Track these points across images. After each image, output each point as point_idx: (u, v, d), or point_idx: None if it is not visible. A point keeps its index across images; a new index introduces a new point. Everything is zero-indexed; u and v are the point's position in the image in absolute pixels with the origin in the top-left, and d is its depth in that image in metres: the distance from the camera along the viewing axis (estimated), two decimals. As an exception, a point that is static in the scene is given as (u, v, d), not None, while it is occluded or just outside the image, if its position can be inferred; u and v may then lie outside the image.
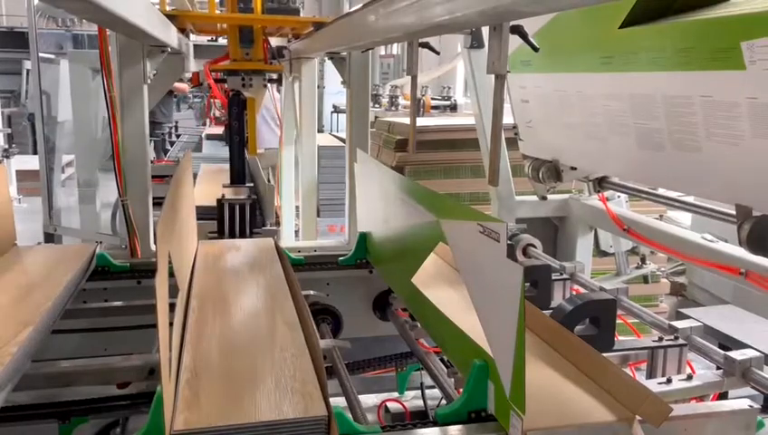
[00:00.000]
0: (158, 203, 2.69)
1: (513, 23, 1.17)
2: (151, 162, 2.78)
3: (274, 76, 2.98)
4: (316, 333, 1.37)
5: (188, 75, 3.41)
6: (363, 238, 2.13)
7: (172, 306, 1.33)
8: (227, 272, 1.89)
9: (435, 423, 1.17)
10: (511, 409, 1.08)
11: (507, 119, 2.24)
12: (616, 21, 1.74)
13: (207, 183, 3.60)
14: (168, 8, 2.87)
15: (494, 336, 1.12)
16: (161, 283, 1.12)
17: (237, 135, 2.77)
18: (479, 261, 1.14)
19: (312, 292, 2.06)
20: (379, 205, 1.93)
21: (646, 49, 1.71)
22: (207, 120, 7.94)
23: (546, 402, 1.20)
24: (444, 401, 1.64)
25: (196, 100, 9.81)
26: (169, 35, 2.26)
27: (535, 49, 1.25)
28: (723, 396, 1.52)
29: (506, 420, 1.10)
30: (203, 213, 2.96)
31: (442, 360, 1.83)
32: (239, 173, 2.81)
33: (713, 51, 1.46)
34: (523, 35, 1.25)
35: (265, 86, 2.88)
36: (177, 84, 6.90)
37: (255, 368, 1.27)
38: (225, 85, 2.81)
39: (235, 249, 2.13)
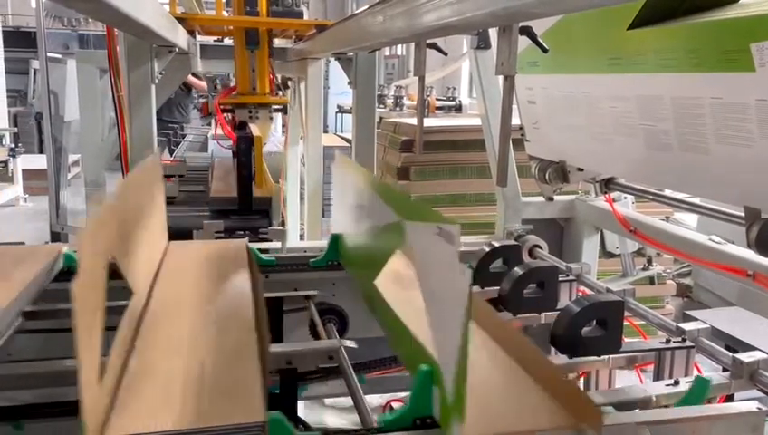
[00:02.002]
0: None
1: (522, 24, 1.18)
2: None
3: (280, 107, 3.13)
4: (268, 337, 1.34)
5: (199, 70, 3.49)
6: (335, 240, 2.10)
7: (122, 309, 1.31)
8: (192, 274, 1.84)
9: (378, 430, 1.15)
10: (453, 416, 1.06)
11: (513, 120, 2.24)
12: (624, 22, 1.74)
13: (222, 178, 3.62)
14: (177, 10, 2.91)
15: (440, 341, 1.10)
16: (83, 285, 1.03)
17: (245, 169, 2.93)
18: (432, 263, 1.11)
19: (316, 292, 2.05)
20: (352, 205, 1.91)
21: (654, 50, 1.71)
22: (212, 122, 7.94)
23: (493, 409, 1.18)
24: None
25: (201, 99, 9.82)
26: (177, 36, 2.27)
27: (545, 50, 1.25)
28: (729, 398, 1.52)
29: (449, 428, 1.07)
30: (220, 204, 3.01)
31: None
32: (246, 206, 2.98)
33: (722, 52, 1.46)
34: (532, 36, 1.25)
35: (271, 118, 3.03)
36: (196, 81, 6.89)
37: (201, 372, 1.24)
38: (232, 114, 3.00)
39: (205, 250, 2.07)
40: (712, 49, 1.51)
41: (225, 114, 3.04)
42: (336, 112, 10.01)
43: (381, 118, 4.60)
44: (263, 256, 2.09)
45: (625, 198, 2.68)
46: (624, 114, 1.97)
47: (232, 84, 3.29)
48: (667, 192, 2.26)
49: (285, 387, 1.58)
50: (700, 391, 1.31)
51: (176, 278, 1.79)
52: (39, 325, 1.87)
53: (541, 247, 2.49)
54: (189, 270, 1.86)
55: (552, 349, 1.69)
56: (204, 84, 6.88)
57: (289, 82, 3.63)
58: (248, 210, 2.97)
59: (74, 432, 1.24)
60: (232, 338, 1.40)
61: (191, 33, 2.78)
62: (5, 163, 8.04)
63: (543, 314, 1.89)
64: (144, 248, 1.71)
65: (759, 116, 1.46)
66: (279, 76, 3.36)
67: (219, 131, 3.55)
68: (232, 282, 1.78)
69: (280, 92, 3.12)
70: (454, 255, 1.00)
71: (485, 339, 1.45)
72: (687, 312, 3.78)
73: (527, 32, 1.20)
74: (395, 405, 2.19)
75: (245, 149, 2.91)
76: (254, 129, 3.05)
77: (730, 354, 1.52)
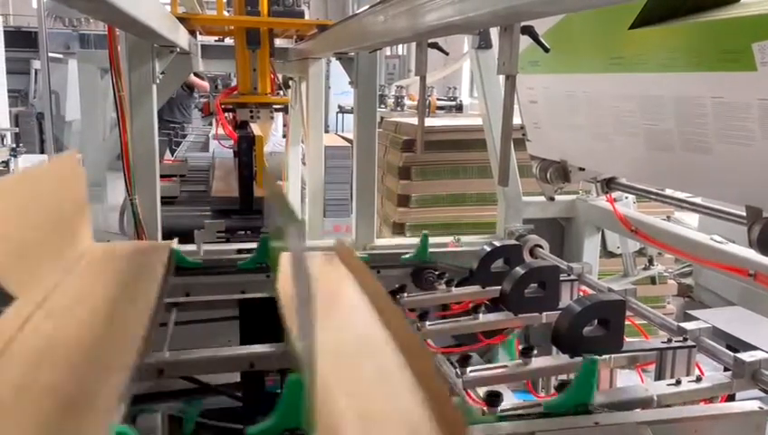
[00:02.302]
0: (166, 202, 2.71)
1: (523, 23, 1.18)
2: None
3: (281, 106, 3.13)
4: (150, 347, 1.31)
5: (199, 70, 3.50)
6: (265, 242, 2.06)
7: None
8: (100, 277, 1.74)
9: None
10: (309, 426, 1.04)
11: (515, 119, 2.24)
12: (626, 21, 1.74)
13: (224, 177, 3.61)
14: (178, 9, 2.91)
15: (302, 348, 1.07)
16: None
17: (246, 169, 2.93)
18: (292, 264, 1.09)
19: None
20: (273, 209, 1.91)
21: (656, 50, 1.71)
22: (213, 122, 7.92)
23: (362, 420, 1.12)
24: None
25: (203, 99, 9.81)
26: (179, 36, 2.27)
27: (546, 50, 1.25)
28: (731, 398, 1.52)
29: None
30: (221, 204, 3.01)
31: (449, 360, 1.83)
32: (247, 205, 2.98)
33: (724, 52, 1.46)
34: (534, 36, 1.25)
35: (272, 118, 3.02)
36: (198, 82, 6.88)
37: (60, 383, 1.18)
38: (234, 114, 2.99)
39: (125, 253, 1.99)
40: (713, 48, 1.51)
41: (226, 114, 3.04)
42: (337, 112, 10.00)
43: (382, 118, 4.59)
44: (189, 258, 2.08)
45: (626, 197, 2.68)
46: (625, 114, 1.97)
47: (233, 84, 3.28)
48: (669, 192, 2.26)
49: (287, 387, 1.57)
50: (590, 371, 1.30)
51: (80, 281, 1.70)
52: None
53: (542, 247, 2.49)
54: (99, 273, 1.77)
55: (554, 348, 1.70)
56: (206, 84, 6.86)
57: (290, 82, 3.61)
58: (249, 210, 2.97)
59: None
60: (110, 345, 1.33)
61: (192, 33, 2.78)
62: (7, 163, 8.04)
63: (545, 313, 1.90)
64: (46, 249, 1.62)
65: (760, 115, 1.45)
66: (280, 76, 3.35)
67: (220, 131, 3.55)
68: (138, 286, 1.68)
69: (281, 92, 3.11)
70: (301, 253, 0.99)
71: (381, 344, 1.40)
72: (689, 311, 3.77)
73: (529, 31, 1.20)
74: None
75: (246, 148, 2.91)
76: (256, 128, 3.06)
77: (731, 354, 1.52)
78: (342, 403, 1.10)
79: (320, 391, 1.08)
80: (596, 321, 1.60)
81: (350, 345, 1.39)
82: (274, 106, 2.99)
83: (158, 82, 2.40)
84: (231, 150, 3.79)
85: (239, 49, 2.85)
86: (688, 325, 1.65)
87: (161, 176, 2.56)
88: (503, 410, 1.32)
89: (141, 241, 2.41)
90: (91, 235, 2.02)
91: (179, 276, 2.06)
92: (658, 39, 1.71)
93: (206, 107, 3.25)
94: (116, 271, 1.79)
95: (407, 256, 2.29)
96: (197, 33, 2.97)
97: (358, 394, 1.14)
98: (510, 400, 2.22)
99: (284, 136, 4.69)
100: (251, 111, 2.91)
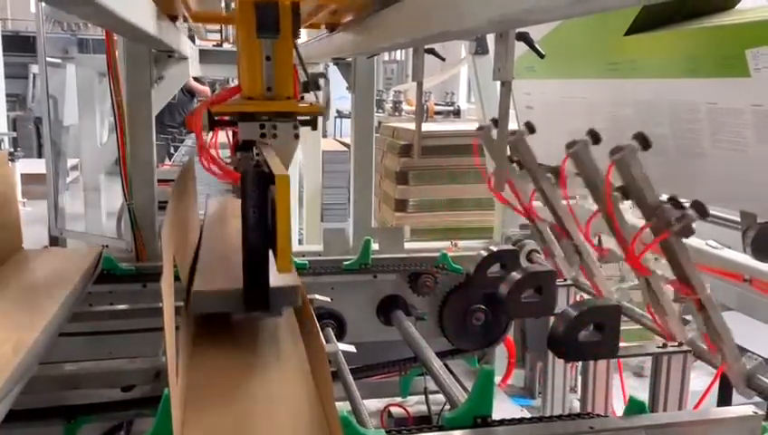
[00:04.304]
0: (163, 207, 2.70)
1: (518, 30, 1.19)
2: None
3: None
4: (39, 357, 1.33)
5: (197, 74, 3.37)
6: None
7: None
8: (16, 283, 1.78)
9: None
10: None
11: (511, 125, 2.24)
12: (622, 28, 1.75)
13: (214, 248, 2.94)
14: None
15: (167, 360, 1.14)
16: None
17: (256, 241, 1.42)
18: None
19: (316, 296, 2.06)
20: None
21: (651, 56, 1.72)
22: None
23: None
24: (448, 406, 1.65)
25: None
26: (176, 40, 2.27)
27: (541, 56, 1.26)
28: (725, 402, 1.52)
29: None
30: (209, 305, 2.73)
31: (446, 365, 1.84)
32: (257, 301, 1.47)
33: (718, 58, 1.47)
34: (529, 42, 1.26)
35: (297, 137, 1.67)
36: (198, 87, 6.86)
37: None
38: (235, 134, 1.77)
39: (50, 260, 2.03)
40: (708, 55, 1.52)
41: (215, 129, 1.74)
42: (335, 117, 10.03)
43: (380, 122, 4.60)
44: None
45: (623, 202, 2.68)
46: (622, 119, 1.98)
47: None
48: (664, 197, 2.27)
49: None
50: (487, 382, 1.30)
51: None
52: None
53: (539, 252, 2.49)
54: (16, 278, 1.81)
55: (550, 353, 1.70)
56: (206, 89, 6.82)
57: (320, 81, 2.07)
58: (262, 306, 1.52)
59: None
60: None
61: (191, 38, 2.77)
62: (4, 167, 8.04)
63: (541, 318, 1.90)
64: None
65: (754, 121, 1.46)
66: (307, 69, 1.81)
67: (219, 138, 2.31)
68: (43, 295, 1.70)
69: (305, 95, 1.77)
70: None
71: (298, 359, 1.45)
72: (685, 317, 3.77)
73: (524, 38, 1.21)
74: (393, 410, 2.19)
75: (257, 198, 1.43)
76: (270, 156, 1.50)
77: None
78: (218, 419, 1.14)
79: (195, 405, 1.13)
80: (592, 326, 1.60)
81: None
82: (300, 117, 1.67)
83: (155, 86, 2.41)
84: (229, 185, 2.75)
85: (244, 37, 1.62)
86: (684, 330, 1.66)
87: (159, 181, 2.55)
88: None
89: (75, 248, 2.43)
90: (21, 240, 2.05)
91: (110, 283, 2.09)
92: (654, 45, 1.72)
93: (189, 120, 2.14)
94: (28, 279, 1.81)
95: (348, 262, 2.29)
96: (195, 37, 2.96)
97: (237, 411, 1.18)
98: (508, 404, 2.23)
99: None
100: (262, 127, 1.62)
